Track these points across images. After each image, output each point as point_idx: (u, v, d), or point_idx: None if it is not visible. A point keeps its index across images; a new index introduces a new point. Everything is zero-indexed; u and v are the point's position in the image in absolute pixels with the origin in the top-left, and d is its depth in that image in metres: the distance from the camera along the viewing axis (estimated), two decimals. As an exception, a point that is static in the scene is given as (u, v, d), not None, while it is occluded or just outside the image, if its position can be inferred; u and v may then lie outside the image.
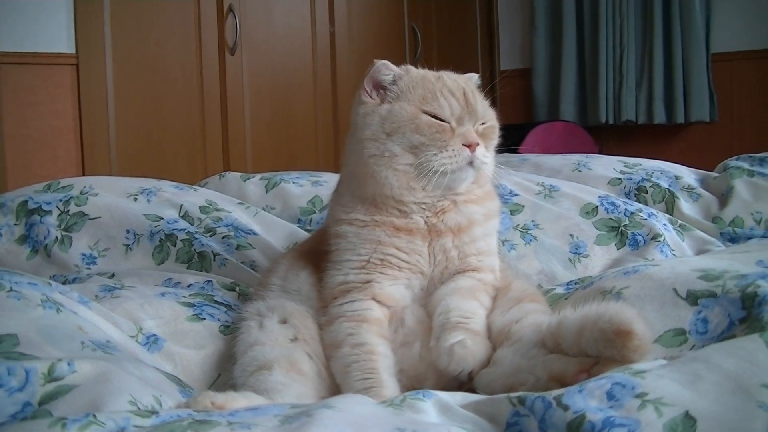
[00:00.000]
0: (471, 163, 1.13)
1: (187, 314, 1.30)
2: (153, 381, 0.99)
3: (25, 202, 1.72)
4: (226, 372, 1.19)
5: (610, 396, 0.74)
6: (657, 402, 0.72)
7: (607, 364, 0.88)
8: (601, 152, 4.04)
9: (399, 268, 1.16)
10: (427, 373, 1.11)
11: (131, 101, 3.03)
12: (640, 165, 2.07)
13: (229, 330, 1.28)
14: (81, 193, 1.75)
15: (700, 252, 1.67)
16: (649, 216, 1.73)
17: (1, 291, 1.08)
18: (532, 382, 0.95)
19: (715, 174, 2.01)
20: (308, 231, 1.82)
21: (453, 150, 1.12)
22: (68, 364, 0.92)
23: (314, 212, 1.91)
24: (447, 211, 1.17)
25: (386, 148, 1.14)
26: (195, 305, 1.34)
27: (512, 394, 0.81)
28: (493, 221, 1.23)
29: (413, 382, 1.13)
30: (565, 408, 0.74)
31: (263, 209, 1.93)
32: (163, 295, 1.36)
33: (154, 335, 1.23)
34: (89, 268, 1.63)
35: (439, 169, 1.11)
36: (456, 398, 0.89)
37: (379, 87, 1.18)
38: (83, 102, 2.87)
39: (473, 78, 1.27)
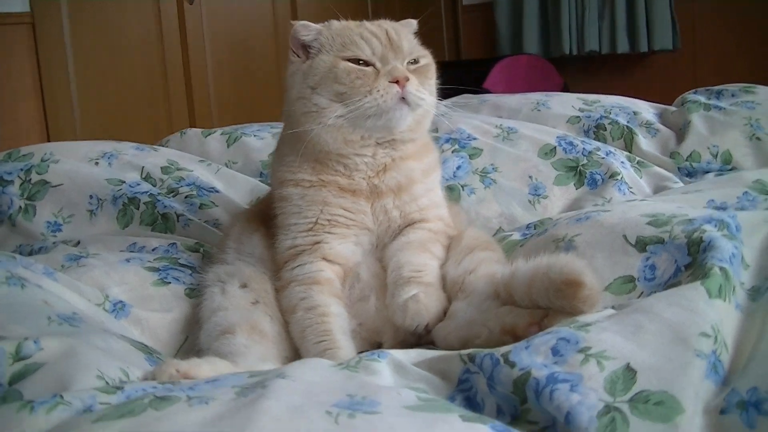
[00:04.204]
0: (404, 99, 1.12)
1: (152, 279, 1.32)
2: (119, 352, 1.01)
3: (-15, 173, 1.70)
4: (193, 335, 1.22)
5: (555, 351, 0.77)
6: (599, 356, 0.75)
7: (557, 316, 0.91)
8: (565, 84, 4.05)
9: (347, 227, 1.18)
10: (385, 327, 1.14)
11: (91, 58, 2.98)
12: (599, 102, 2.08)
13: (195, 293, 1.30)
14: (42, 160, 1.74)
15: (657, 189, 1.70)
16: (607, 154, 1.76)
17: None
18: (486, 335, 0.98)
19: (673, 108, 2.03)
20: (269, 185, 1.82)
21: (378, 91, 1.11)
22: (34, 342, 0.93)
23: (277, 165, 1.91)
24: (387, 169, 1.19)
25: (312, 102, 1.14)
26: (160, 269, 1.35)
27: (463, 352, 0.84)
28: (433, 175, 1.25)
29: (372, 334, 1.16)
30: (512, 365, 0.77)
31: (225, 164, 1.94)
32: (128, 261, 1.36)
33: (121, 302, 1.25)
34: (55, 236, 1.63)
35: (369, 113, 1.11)
36: (411, 355, 0.92)
37: (303, 46, 1.18)
38: (42, 62, 2.81)
39: (411, 24, 1.26)
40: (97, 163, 1.75)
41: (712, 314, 0.81)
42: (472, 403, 0.79)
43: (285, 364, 1.08)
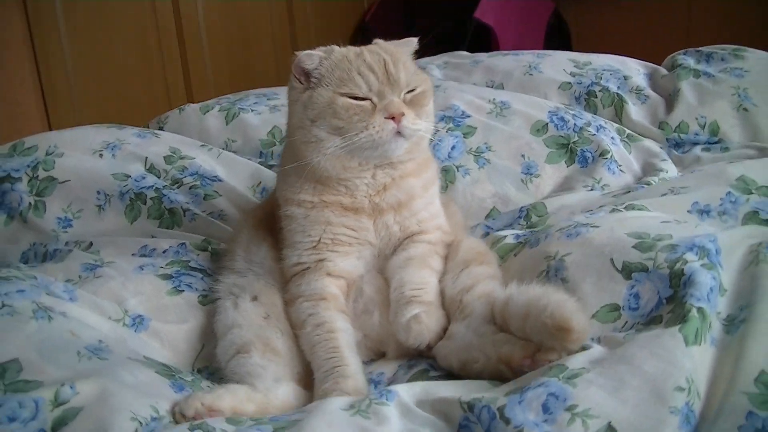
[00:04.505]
0: (399, 133, 1.17)
1: (166, 288, 1.39)
2: (147, 386, 1.09)
3: (-7, 170, 1.75)
4: (209, 344, 1.31)
5: (545, 408, 0.86)
6: (584, 414, 0.84)
7: (548, 351, 1.00)
8: (557, 9, 3.99)
9: (350, 245, 1.25)
10: (389, 340, 1.23)
11: (86, 38, 2.89)
12: (590, 64, 2.11)
13: (207, 300, 1.38)
14: (47, 154, 1.78)
15: (645, 166, 1.76)
16: (598, 130, 1.80)
17: None
18: (483, 361, 1.07)
19: (663, 72, 2.06)
20: (270, 167, 1.88)
21: (374, 127, 1.16)
22: (70, 387, 1.01)
23: (274, 144, 1.96)
24: (388, 188, 1.25)
25: (312, 134, 1.19)
26: (173, 276, 1.42)
27: (463, 399, 0.93)
28: (432, 188, 1.32)
29: (377, 345, 1.25)
30: (507, 422, 0.86)
31: (225, 142, 1.98)
32: (141, 268, 1.44)
33: (140, 316, 1.32)
34: (66, 232, 1.69)
35: (366, 146, 1.17)
36: (415, 391, 1.01)
37: (305, 73, 1.22)
38: (37, 44, 2.75)
39: (411, 43, 1.29)
40: (101, 155, 1.79)
41: (688, 365, 0.89)
42: (472, 450, 0.89)
43: (297, 380, 1.18)
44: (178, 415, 1.05)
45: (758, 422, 0.84)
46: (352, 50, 1.22)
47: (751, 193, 1.34)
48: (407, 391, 1.01)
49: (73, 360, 1.10)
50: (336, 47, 1.23)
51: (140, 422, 1.00)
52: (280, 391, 1.13)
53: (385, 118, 1.16)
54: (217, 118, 2.05)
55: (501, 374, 1.04)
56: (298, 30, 3.63)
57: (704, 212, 1.31)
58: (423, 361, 1.18)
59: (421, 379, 1.13)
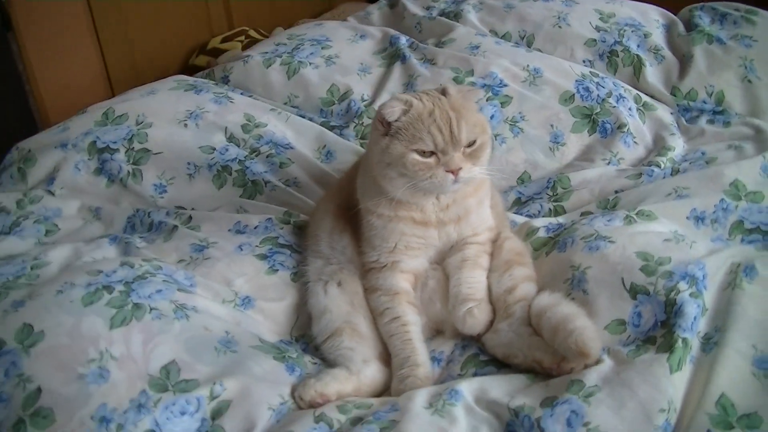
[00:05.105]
0: (456, 182, 1.47)
1: (264, 268, 1.72)
2: (271, 375, 1.47)
3: (94, 142, 2.05)
4: (302, 314, 1.67)
5: (568, 422, 1.23)
6: (595, 429, 1.22)
7: (570, 362, 1.36)
8: None
9: (418, 249, 1.59)
10: (446, 324, 1.60)
11: None
12: (614, 17, 2.31)
13: (297, 277, 1.73)
14: (137, 123, 2.07)
15: (657, 138, 2.04)
16: (618, 101, 2.06)
17: (146, 314, 1.50)
18: (521, 358, 1.44)
19: (681, 28, 2.26)
20: (332, 128, 2.16)
21: (436, 178, 1.45)
22: (220, 385, 1.40)
23: (333, 103, 2.23)
24: (450, 206, 1.56)
25: (386, 172, 1.49)
26: (268, 256, 1.75)
27: (511, 405, 1.31)
28: (485, 203, 1.62)
29: (437, 326, 1.63)
30: (542, 430, 1.24)
31: (288, 97, 2.25)
32: (240, 248, 1.76)
33: (247, 296, 1.67)
34: (162, 197, 2.01)
35: (427, 189, 1.48)
36: (473, 387, 1.38)
37: (386, 122, 1.48)
38: None
39: (476, 94, 1.56)
40: (186, 125, 2.07)
41: (670, 390, 1.25)
42: (516, 445, 1.28)
43: (378, 358, 1.56)
44: (297, 398, 1.45)
45: (713, 441, 1.21)
46: (426, 109, 1.45)
47: (741, 199, 1.64)
48: (468, 389, 1.38)
49: (214, 356, 1.47)
50: (414, 101, 1.47)
51: (273, 410, 1.40)
52: (368, 371, 1.52)
53: (446, 171, 1.45)
54: (279, 72, 2.30)
55: (534, 370, 1.42)
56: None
57: (700, 219, 1.62)
58: (474, 345, 1.56)
59: (473, 362, 1.51)
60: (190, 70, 3.39)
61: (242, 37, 3.45)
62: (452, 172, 1.44)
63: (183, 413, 1.36)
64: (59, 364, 1.38)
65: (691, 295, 1.38)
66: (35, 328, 1.42)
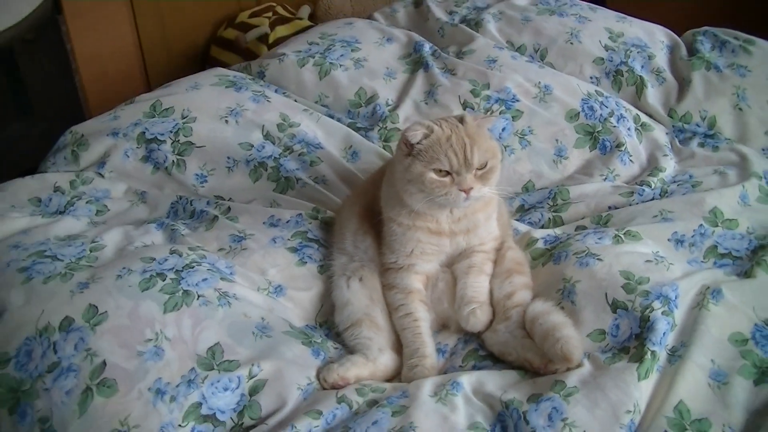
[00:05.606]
0: (467, 199, 1.69)
1: (294, 260, 1.95)
2: (300, 358, 1.71)
3: (143, 132, 2.27)
4: (326, 303, 1.91)
5: (550, 417, 1.48)
6: (572, 425, 1.45)
7: (555, 364, 1.60)
8: None
9: (432, 254, 1.82)
10: (451, 321, 1.84)
11: None
12: (622, 36, 2.50)
13: (323, 269, 1.96)
14: (182, 117, 2.29)
15: (651, 157, 2.25)
16: (618, 121, 2.27)
17: (194, 301, 1.73)
18: (514, 356, 1.68)
19: (683, 51, 2.45)
20: (358, 129, 2.37)
21: (450, 195, 1.68)
22: (257, 366, 1.64)
23: (360, 105, 2.44)
24: (461, 219, 1.79)
25: (407, 188, 1.72)
26: (298, 249, 1.98)
27: (503, 398, 1.55)
28: (492, 217, 1.84)
29: (444, 321, 1.87)
30: (527, 422, 1.49)
31: (319, 96, 2.46)
32: (274, 241, 1.99)
33: (279, 285, 1.90)
34: (203, 186, 2.23)
35: (442, 203, 1.70)
36: (472, 380, 1.62)
37: (410, 144, 1.70)
38: None
39: (490, 121, 1.77)
40: (226, 121, 2.29)
41: (636, 394, 1.48)
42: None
43: (392, 347, 1.80)
44: (321, 380, 1.70)
45: (669, 441, 1.45)
46: (444, 134, 1.67)
47: (717, 225, 1.86)
48: (467, 381, 1.62)
49: (252, 340, 1.70)
50: (435, 127, 1.68)
51: (301, 389, 1.65)
52: (383, 358, 1.77)
53: (459, 190, 1.67)
54: (311, 72, 2.50)
55: (525, 368, 1.66)
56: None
57: (680, 242, 1.84)
58: (474, 341, 1.80)
59: (473, 355, 1.76)
60: (218, 41, 3.61)
61: (269, 13, 3.65)
62: (464, 191, 1.67)
63: (226, 389, 1.61)
64: (121, 342, 1.62)
65: (663, 313, 1.62)
66: (99, 309, 1.66)
